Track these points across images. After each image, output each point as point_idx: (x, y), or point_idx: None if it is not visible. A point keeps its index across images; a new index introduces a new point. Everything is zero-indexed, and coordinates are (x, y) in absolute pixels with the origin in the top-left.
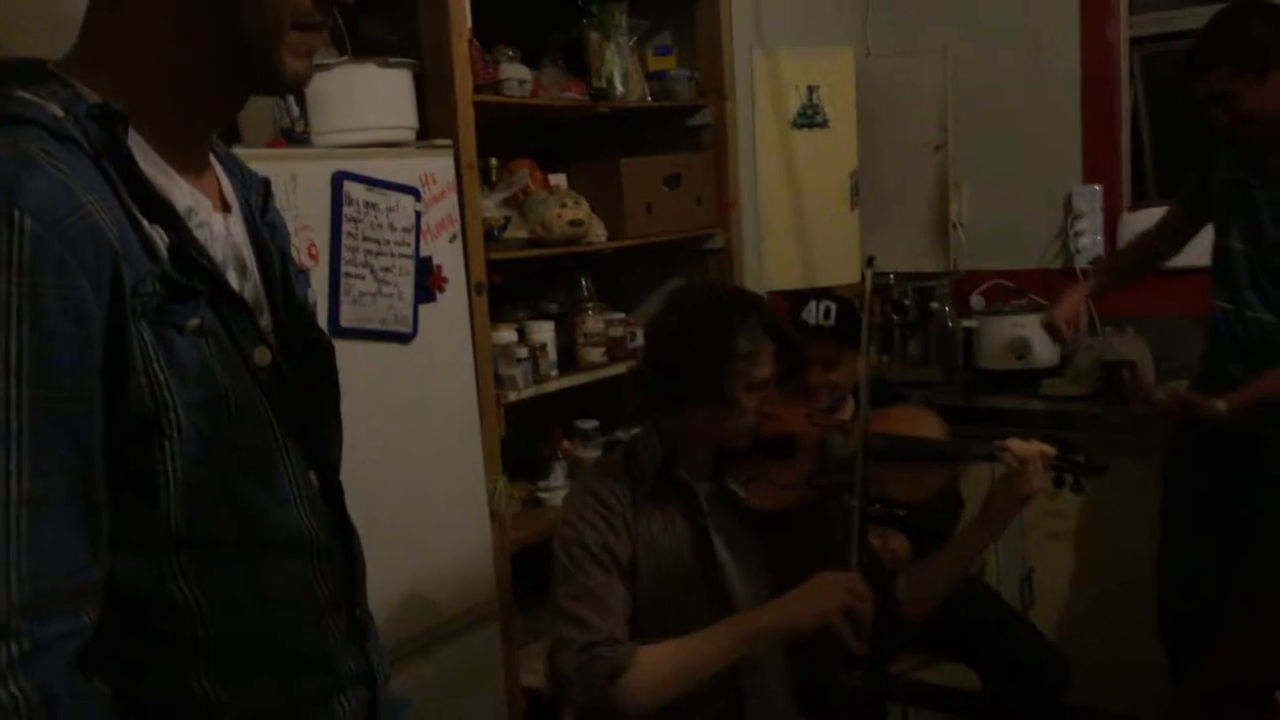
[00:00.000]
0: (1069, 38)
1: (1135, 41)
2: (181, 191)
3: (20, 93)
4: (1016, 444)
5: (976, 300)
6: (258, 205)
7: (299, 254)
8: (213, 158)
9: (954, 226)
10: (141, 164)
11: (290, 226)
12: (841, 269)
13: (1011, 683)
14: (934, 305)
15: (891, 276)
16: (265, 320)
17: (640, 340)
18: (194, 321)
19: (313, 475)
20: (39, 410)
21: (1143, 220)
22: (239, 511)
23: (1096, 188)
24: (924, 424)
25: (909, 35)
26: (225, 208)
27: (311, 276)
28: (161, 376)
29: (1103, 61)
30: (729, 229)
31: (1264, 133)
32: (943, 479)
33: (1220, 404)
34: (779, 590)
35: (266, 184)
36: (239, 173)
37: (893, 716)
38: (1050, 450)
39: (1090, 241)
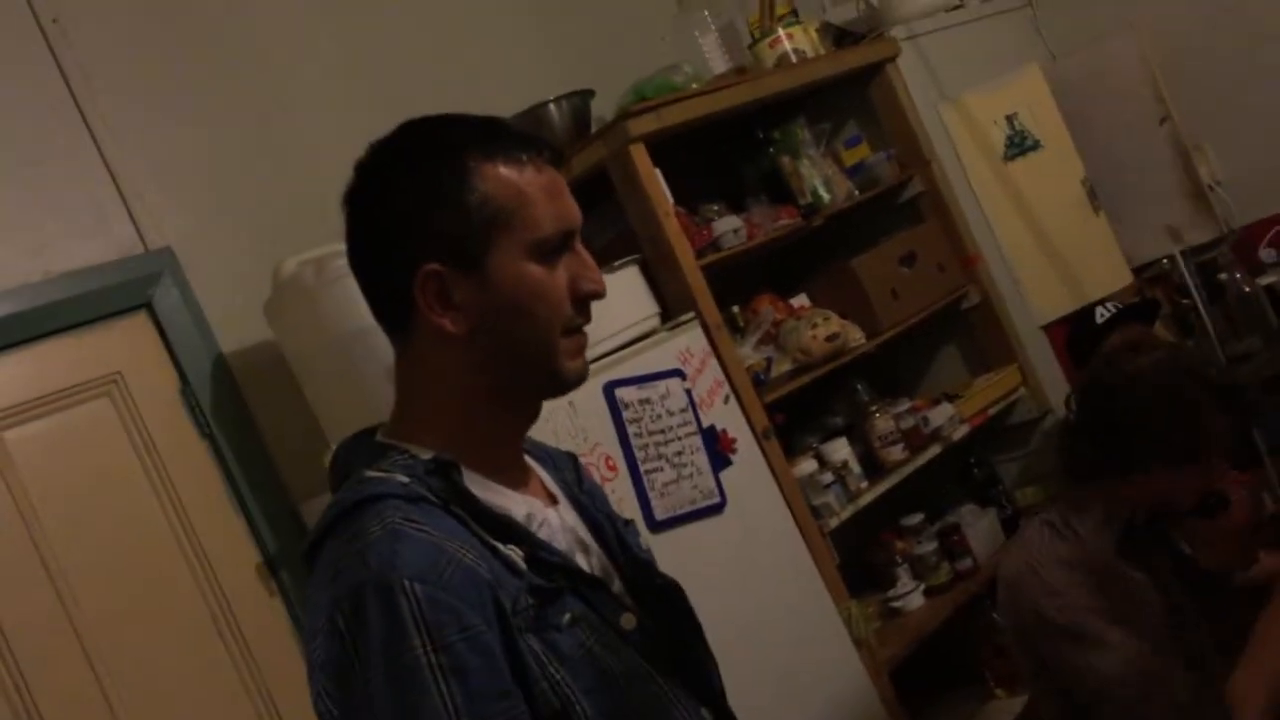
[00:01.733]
0: None
1: None
2: (516, 503)
3: (369, 473)
4: None
5: (1266, 253)
6: (573, 480)
7: (598, 470)
8: (528, 458)
9: (1210, 189)
10: (480, 495)
11: (583, 448)
12: (1108, 277)
13: None
14: (1221, 275)
15: (1165, 261)
16: (617, 585)
17: (935, 423)
18: (566, 616)
19: (705, 711)
20: None
21: None
22: None
23: None
24: None
25: (1089, 24)
26: (552, 499)
27: (616, 484)
28: (558, 675)
29: None
30: (980, 282)
31: None
32: None
33: None
34: (1227, 656)
35: (573, 459)
36: (548, 458)
37: None
38: None
39: None
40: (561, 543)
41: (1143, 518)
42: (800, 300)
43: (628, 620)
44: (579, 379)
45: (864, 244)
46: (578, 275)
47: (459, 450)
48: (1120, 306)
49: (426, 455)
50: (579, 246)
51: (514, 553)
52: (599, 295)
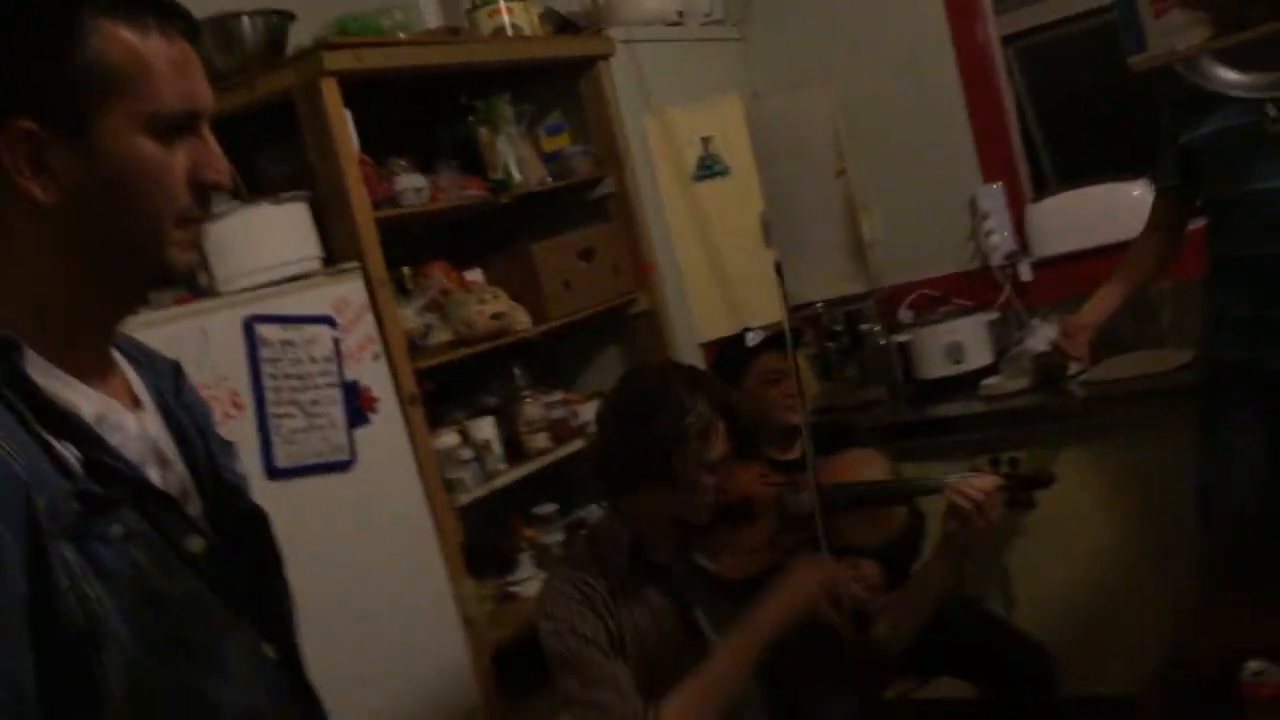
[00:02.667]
0: (943, 46)
1: (1005, 40)
2: (89, 399)
3: None
4: (965, 483)
5: (905, 314)
6: (171, 389)
7: (221, 406)
8: (120, 355)
9: (869, 247)
10: (43, 383)
11: (209, 379)
12: (767, 308)
13: (1004, 687)
14: (864, 326)
15: (819, 305)
16: (195, 506)
17: (584, 418)
18: (117, 529)
19: (267, 648)
20: None
21: (1050, 211)
22: (189, 705)
23: (997, 186)
24: (873, 466)
25: (791, 70)
26: (137, 404)
27: (240, 424)
28: (92, 592)
29: (978, 63)
30: (650, 291)
31: None
32: (903, 517)
33: None
34: (771, 661)
35: (176, 368)
36: (147, 361)
37: None
38: (997, 482)
39: (1000, 239)
40: (133, 451)
41: (661, 536)
42: (474, 275)
43: (195, 543)
44: (187, 272)
45: (547, 232)
46: (200, 162)
47: (28, 331)
48: (768, 333)
49: None
50: (206, 133)
51: (69, 451)
52: (222, 186)
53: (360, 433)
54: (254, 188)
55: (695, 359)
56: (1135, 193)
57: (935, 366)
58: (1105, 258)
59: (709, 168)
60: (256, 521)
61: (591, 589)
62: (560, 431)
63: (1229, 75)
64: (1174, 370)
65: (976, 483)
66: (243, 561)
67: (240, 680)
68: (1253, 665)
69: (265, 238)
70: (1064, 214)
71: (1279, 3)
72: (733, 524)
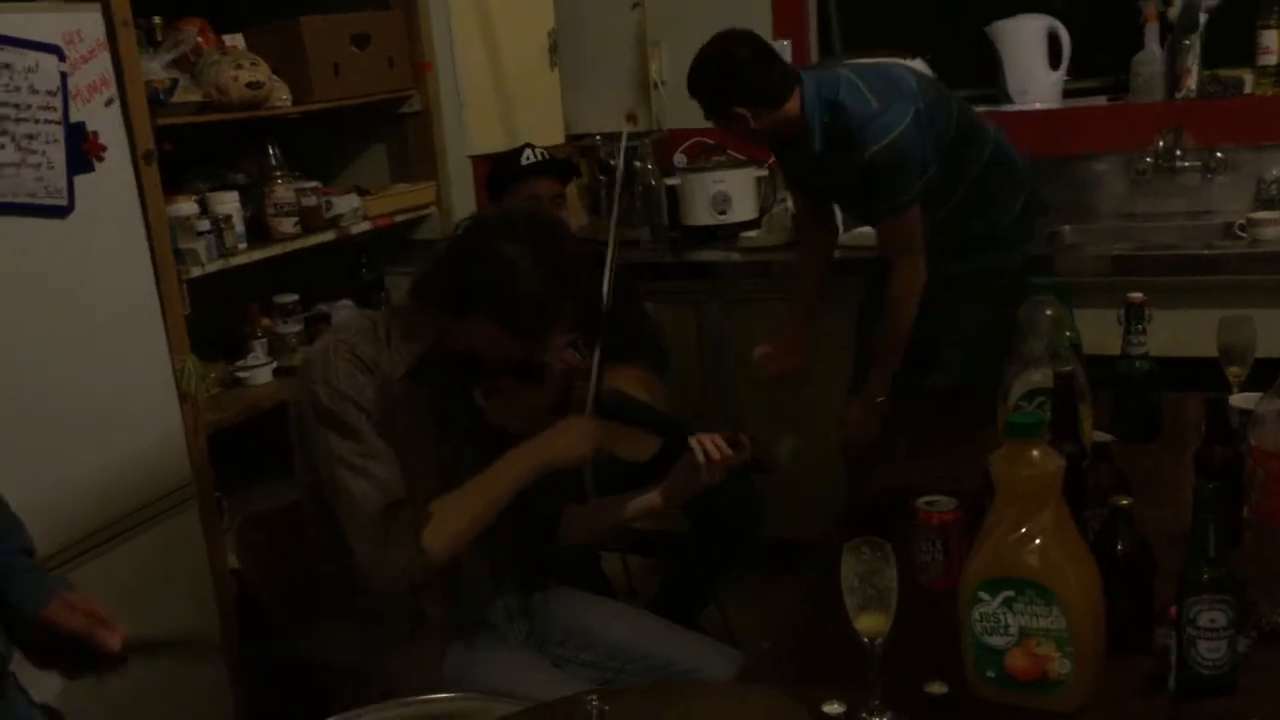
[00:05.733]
0: None
1: None
2: None
3: None
4: (708, 439)
5: (679, 158)
6: None
7: None
8: None
9: (655, 86)
10: None
11: None
12: (544, 131)
13: (713, 523)
14: (638, 164)
15: (597, 137)
16: None
17: (337, 210)
18: None
19: None
20: None
21: None
22: None
23: (785, 43)
24: (652, 390)
25: None
26: None
27: None
28: None
29: None
30: (426, 91)
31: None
32: (654, 446)
33: None
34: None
35: None
36: None
37: (613, 562)
38: (730, 455)
39: None
40: None
41: (453, 355)
42: (235, 40)
43: None
44: None
45: (319, 9)
46: None
47: None
48: (547, 156)
49: None
50: None
51: None
52: None
53: (82, 180)
54: None
55: (463, 171)
56: (916, 65)
57: (701, 214)
58: None
59: None
60: None
61: (378, 367)
62: (310, 220)
63: None
64: None
65: (719, 444)
66: None
67: None
68: (926, 497)
69: None
70: None
71: None
72: (521, 378)
